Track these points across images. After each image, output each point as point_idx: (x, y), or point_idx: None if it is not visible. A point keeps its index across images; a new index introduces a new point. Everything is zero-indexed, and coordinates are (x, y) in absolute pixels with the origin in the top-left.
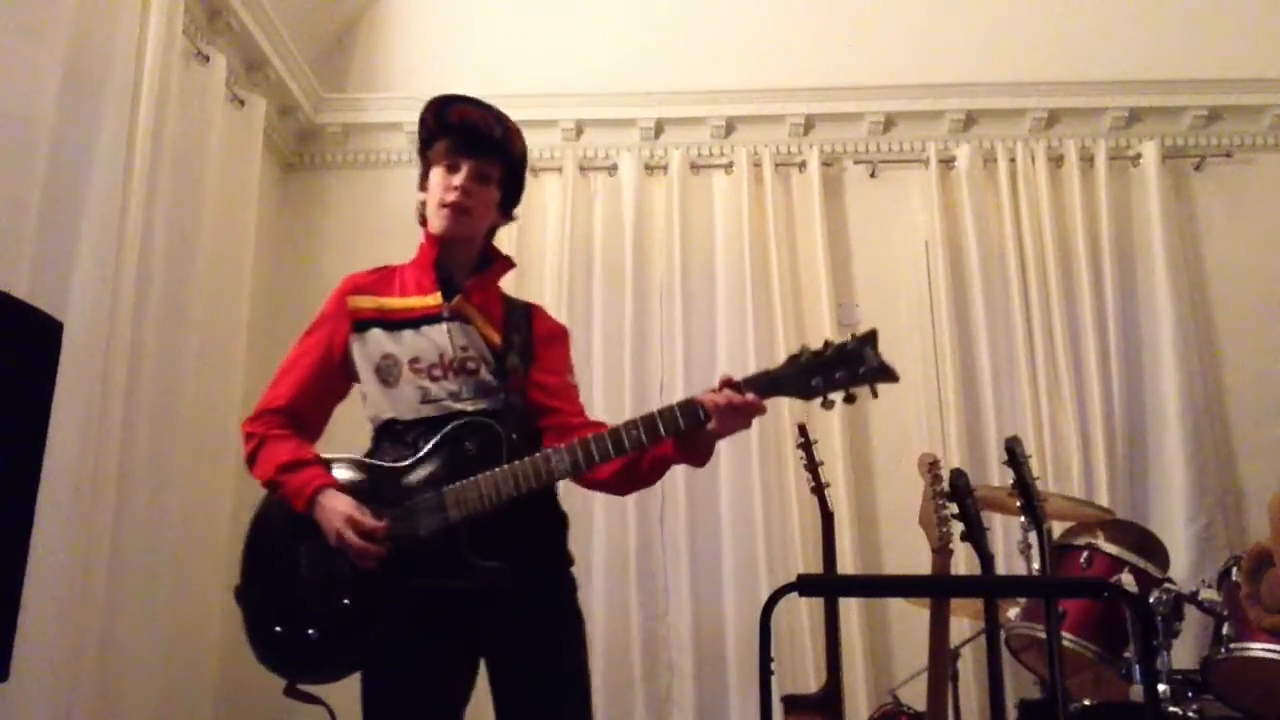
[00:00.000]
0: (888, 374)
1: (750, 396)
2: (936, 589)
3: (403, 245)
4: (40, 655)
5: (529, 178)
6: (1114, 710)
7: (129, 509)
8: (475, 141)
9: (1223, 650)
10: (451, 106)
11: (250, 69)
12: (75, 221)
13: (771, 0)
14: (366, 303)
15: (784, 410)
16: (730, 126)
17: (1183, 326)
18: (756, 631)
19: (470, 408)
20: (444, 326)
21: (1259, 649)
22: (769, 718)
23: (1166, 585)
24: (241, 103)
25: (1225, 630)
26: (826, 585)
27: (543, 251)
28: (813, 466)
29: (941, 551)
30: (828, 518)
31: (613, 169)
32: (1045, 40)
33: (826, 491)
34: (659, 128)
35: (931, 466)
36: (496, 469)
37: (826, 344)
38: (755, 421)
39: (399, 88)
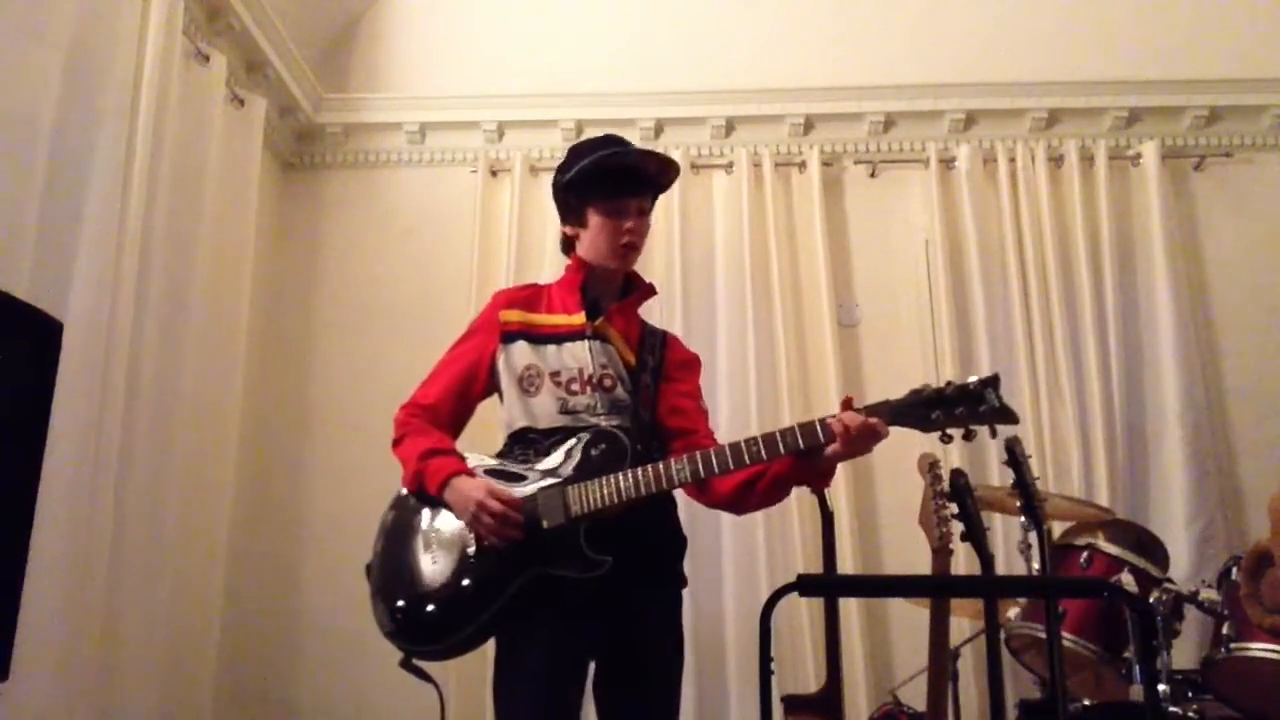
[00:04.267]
0: (1007, 415)
1: (874, 420)
2: (936, 589)
3: (402, 245)
4: (40, 655)
5: (529, 178)
6: (1114, 710)
7: (129, 509)
8: (635, 182)
9: (1223, 650)
10: (608, 154)
11: (250, 69)
12: (75, 221)
13: (772, 0)
14: (515, 316)
15: (784, 411)
16: (730, 126)
17: (1183, 326)
18: (756, 631)
19: (604, 422)
20: (585, 344)
21: (1259, 649)
22: (769, 718)
23: (1166, 585)
24: (241, 103)
25: (1225, 630)
26: (826, 585)
27: (543, 252)
28: None
29: (941, 551)
30: (828, 518)
31: None
32: (1045, 40)
33: (826, 491)
34: (659, 128)
35: (931, 466)
36: (620, 473)
37: (949, 383)
38: (755, 421)
39: (399, 88)
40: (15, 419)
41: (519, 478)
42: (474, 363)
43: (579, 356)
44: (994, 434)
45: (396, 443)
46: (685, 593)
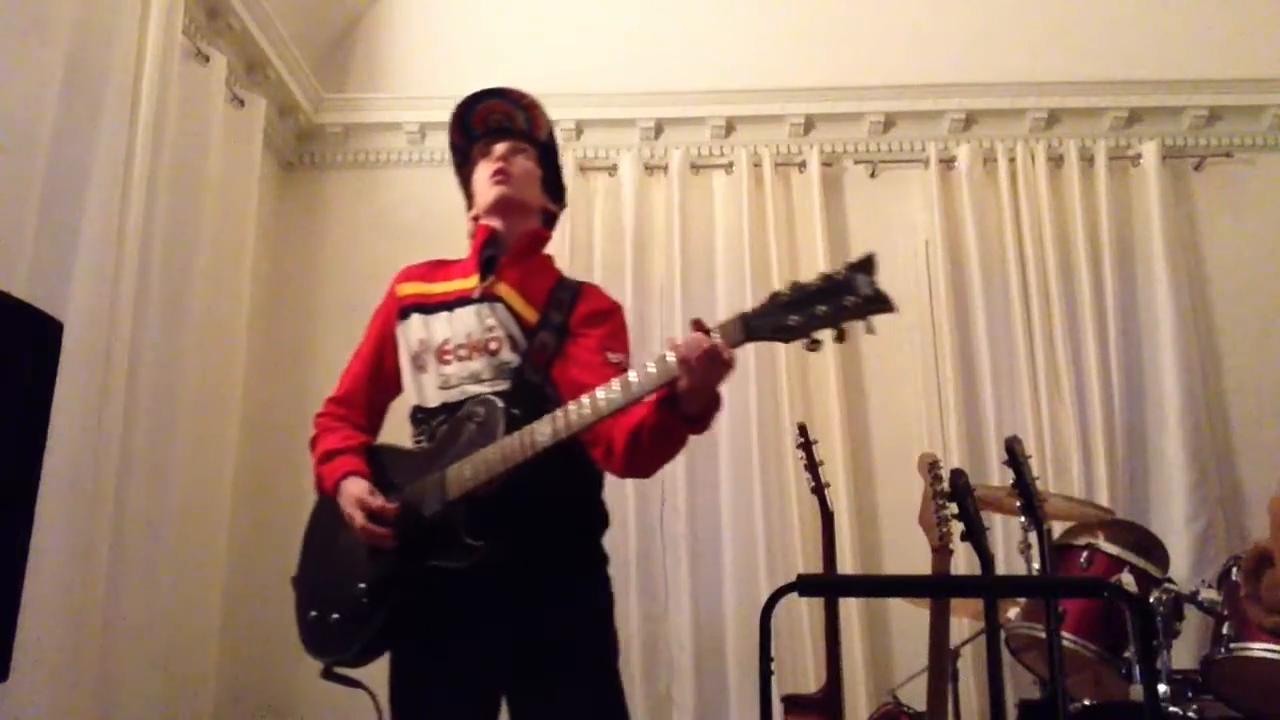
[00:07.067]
0: (881, 303)
1: (710, 343)
2: (936, 589)
3: (402, 245)
4: (40, 655)
5: None
6: (1114, 710)
7: (129, 509)
8: (502, 132)
9: (1223, 650)
10: (472, 112)
11: (250, 69)
12: (75, 221)
13: (772, 0)
14: (411, 289)
15: (784, 411)
16: (730, 126)
17: (1183, 326)
18: (756, 631)
19: (488, 389)
20: (473, 308)
21: (1259, 649)
22: (769, 718)
23: (1166, 585)
24: (241, 103)
25: (1225, 630)
26: (826, 585)
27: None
28: (813, 466)
29: (941, 551)
30: (828, 518)
31: (613, 169)
32: (1045, 40)
33: (826, 491)
34: (659, 128)
35: (931, 466)
36: (490, 445)
37: (820, 276)
38: (755, 421)
39: (399, 88)
40: (15, 419)
41: (412, 463)
42: (378, 344)
43: (467, 321)
44: (870, 329)
45: (310, 448)
46: (685, 593)
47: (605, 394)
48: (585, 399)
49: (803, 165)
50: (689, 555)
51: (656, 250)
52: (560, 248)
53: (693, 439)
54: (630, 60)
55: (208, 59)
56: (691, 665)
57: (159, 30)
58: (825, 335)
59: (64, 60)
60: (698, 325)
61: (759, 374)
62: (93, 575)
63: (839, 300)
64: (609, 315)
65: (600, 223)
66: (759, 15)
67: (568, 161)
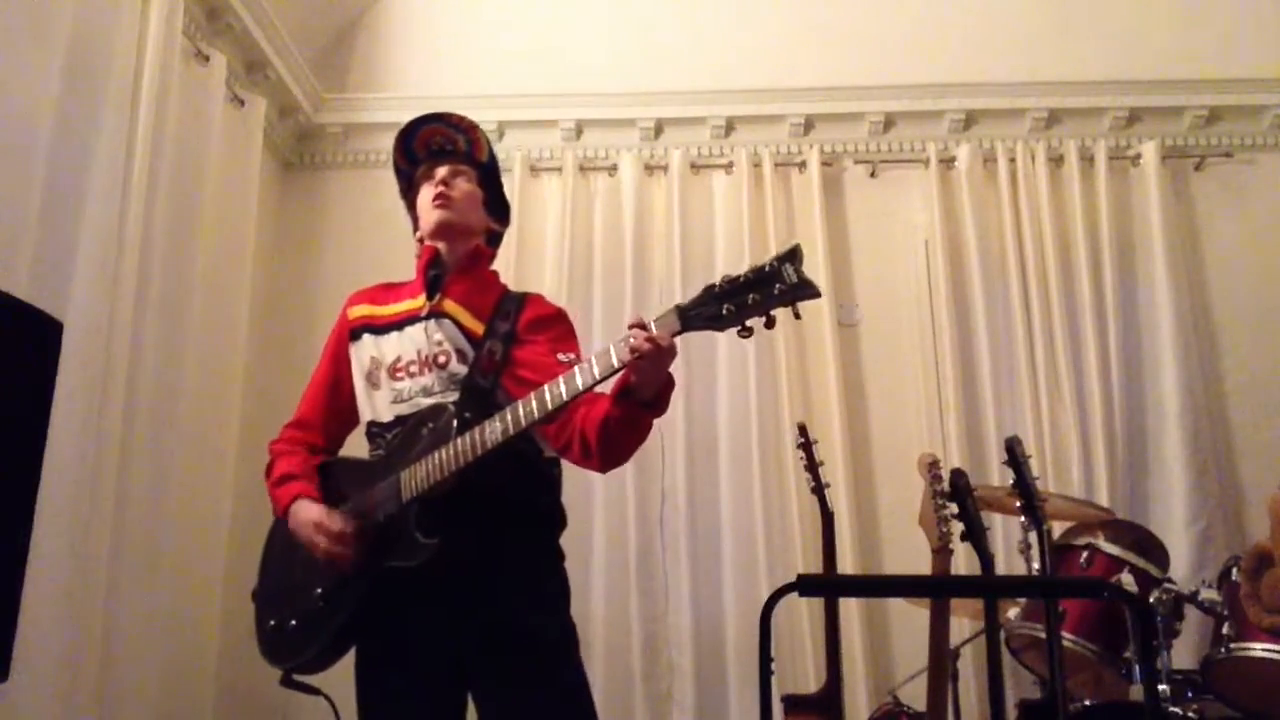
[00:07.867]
0: (807, 289)
1: (653, 338)
2: (936, 589)
3: (402, 245)
4: (40, 655)
5: (530, 178)
6: (1114, 710)
7: (129, 509)
8: (443, 155)
9: (1223, 650)
10: (413, 137)
11: (250, 69)
12: (75, 221)
13: (771, 0)
14: (360, 311)
15: (784, 411)
16: (730, 126)
17: (1183, 326)
18: (756, 631)
19: (440, 400)
20: (421, 325)
21: (1259, 649)
22: (769, 717)
23: (1166, 585)
24: (241, 103)
25: (1225, 630)
26: (826, 585)
27: (543, 251)
28: (813, 466)
29: (941, 551)
30: (828, 518)
31: (613, 169)
32: (1045, 40)
33: (826, 491)
34: (659, 128)
35: (931, 466)
36: (444, 447)
37: (750, 268)
38: (755, 421)
39: (399, 88)
40: (15, 419)
41: (368, 472)
42: (333, 365)
43: (416, 339)
44: (797, 315)
45: (265, 471)
46: (685, 593)
47: (550, 391)
48: (532, 396)
49: (803, 165)
50: (689, 555)
51: (656, 250)
52: (560, 248)
53: (693, 438)
54: (630, 60)
55: (208, 59)
56: (691, 665)
57: (159, 30)
58: (756, 323)
59: (64, 60)
60: (637, 324)
61: (759, 374)
62: (93, 575)
63: (769, 288)
64: (555, 320)
65: (600, 223)
66: (759, 15)
67: (568, 161)
